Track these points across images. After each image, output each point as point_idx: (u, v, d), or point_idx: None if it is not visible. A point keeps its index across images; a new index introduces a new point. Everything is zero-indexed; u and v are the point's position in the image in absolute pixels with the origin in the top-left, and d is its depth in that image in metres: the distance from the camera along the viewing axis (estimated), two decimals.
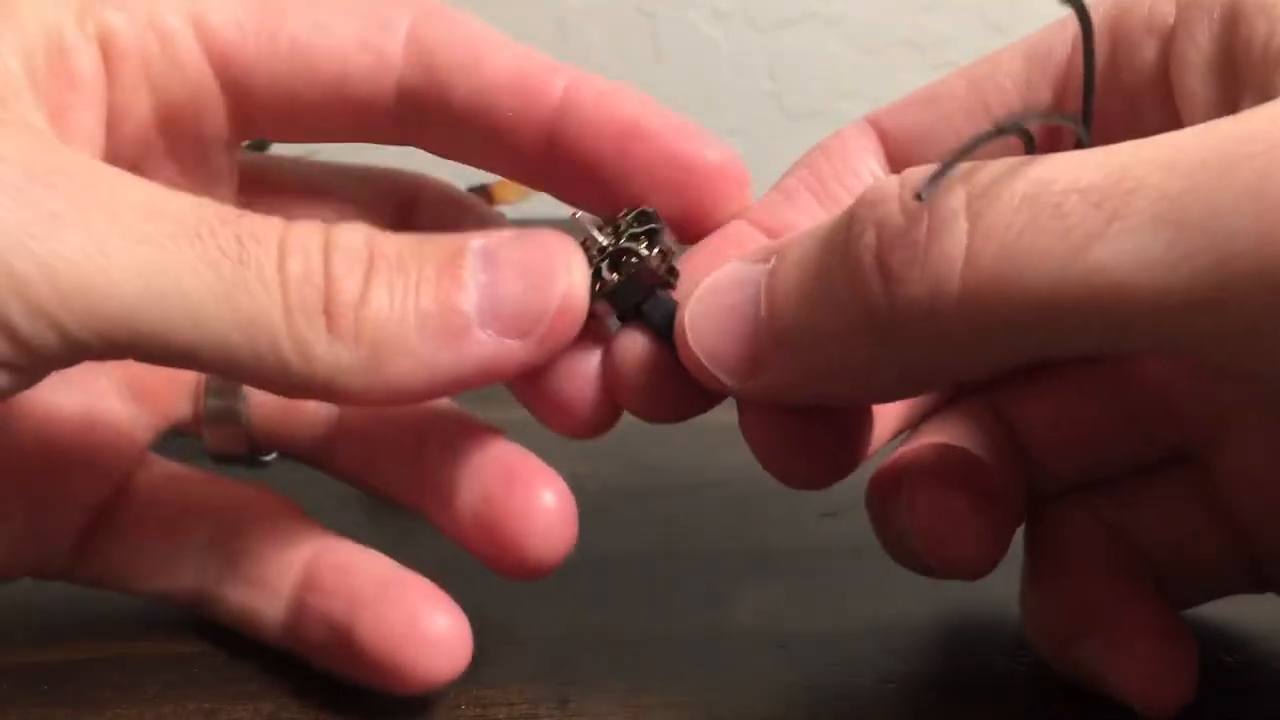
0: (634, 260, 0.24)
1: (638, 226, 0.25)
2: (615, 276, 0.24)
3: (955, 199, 0.19)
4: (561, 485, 0.26)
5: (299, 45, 0.26)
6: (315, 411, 0.29)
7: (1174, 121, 0.24)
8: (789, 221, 0.26)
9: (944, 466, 0.26)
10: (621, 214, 0.25)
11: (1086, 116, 0.23)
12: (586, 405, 0.25)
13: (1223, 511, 0.27)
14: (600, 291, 0.24)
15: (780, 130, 0.73)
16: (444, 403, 0.27)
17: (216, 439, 0.29)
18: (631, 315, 0.25)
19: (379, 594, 0.25)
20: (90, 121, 0.24)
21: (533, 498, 0.25)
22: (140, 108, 0.25)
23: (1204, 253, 0.17)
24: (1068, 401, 0.28)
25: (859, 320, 0.20)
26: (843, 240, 0.20)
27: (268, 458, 0.30)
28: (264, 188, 0.28)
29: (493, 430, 0.27)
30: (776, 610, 0.30)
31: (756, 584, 0.32)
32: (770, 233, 0.26)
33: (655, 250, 0.24)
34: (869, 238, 0.20)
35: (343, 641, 0.25)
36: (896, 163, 0.27)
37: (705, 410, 0.25)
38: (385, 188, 0.29)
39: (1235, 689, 0.27)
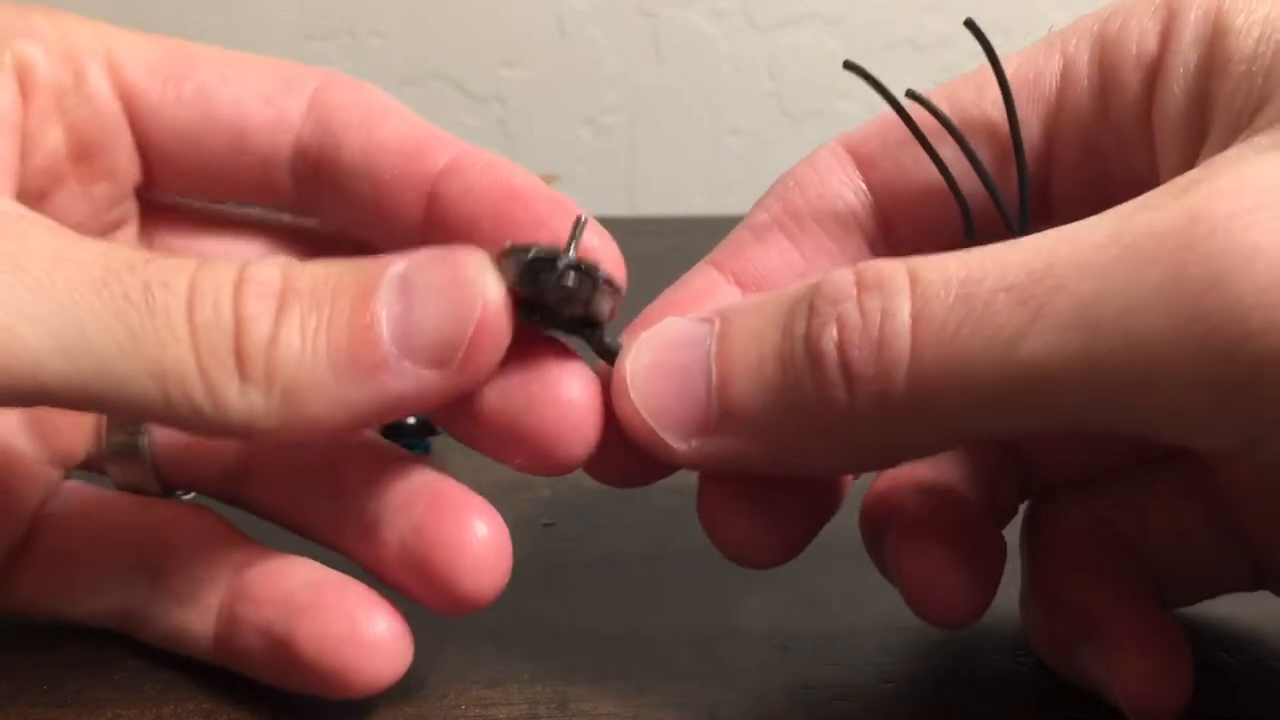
0: (562, 270, 0.23)
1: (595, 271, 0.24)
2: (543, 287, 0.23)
3: (901, 300, 0.20)
4: (494, 514, 0.25)
5: (203, 93, 0.26)
6: (223, 447, 0.28)
7: (1154, 162, 0.24)
8: (762, 268, 0.26)
9: (929, 514, 0.25)
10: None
11: (1023, 200, 0.25)
12: (562, 435, 0.24)
13: (1222, 510, 0.27)
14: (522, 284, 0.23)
15: (780, 130, 0.73)
16: (363, 431, 0.27)
17: (121, 475, 0.28)
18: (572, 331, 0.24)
19: (314, 599, 0.25)
20: (6, 151, 0.24)
21: (465, 527, 0.24)
22: (52, 139, 0.25)
23: (1121, 349, 0.18)
24: None
25: (818, 408, 0.21)
26: (803, 331, 0.21)
27: (186, 496, 0.29)
28: (174, 220, 0.28)
29: (415, 458, 0.26)
30: (776, 610, 0.30)
31: (756, 584, 0.32)
32: (740, 279, 0.26)
33: (580, 282, 0.23)
34: (831, 332, 0.21)
35: (280, 650, 0.25)
36: (877, 191, 0.26)
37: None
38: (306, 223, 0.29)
39: (1235, 689, 0.27)
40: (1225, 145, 0.21)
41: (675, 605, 0.30)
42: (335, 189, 0.27)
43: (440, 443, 0.38)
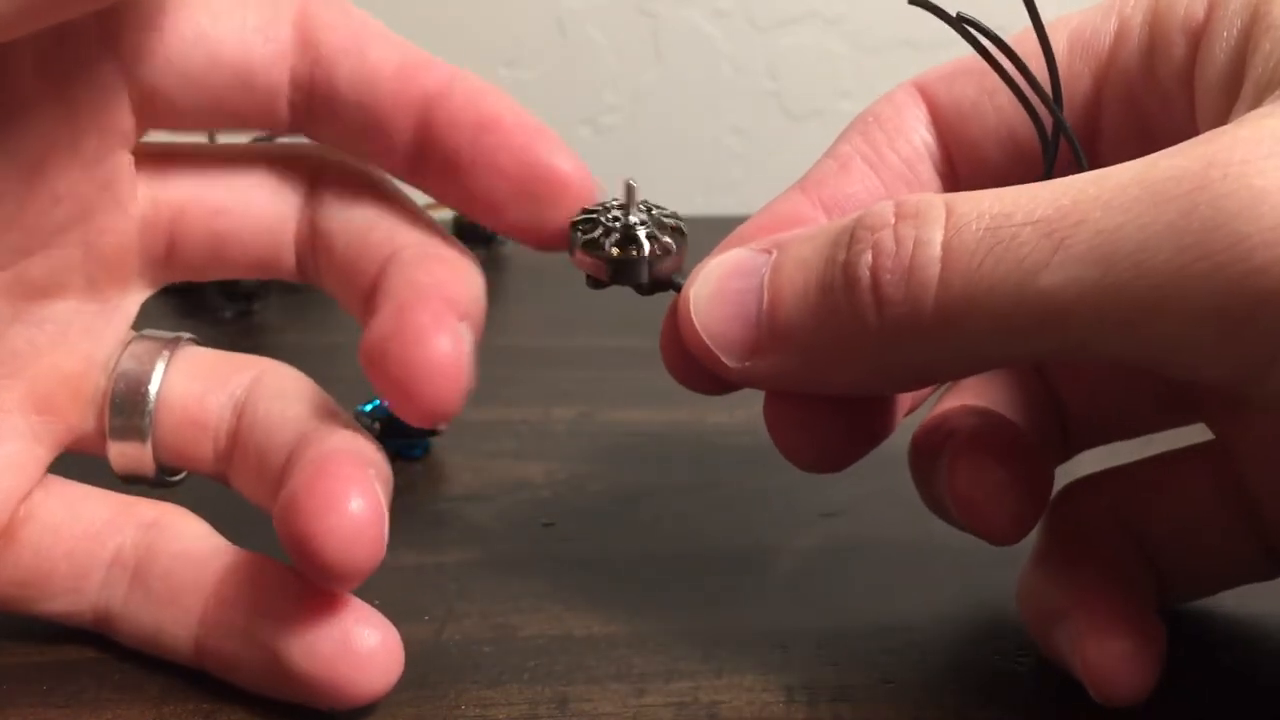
0: (622, 244, 0.25)
1: (666, 222, 0.26)
2: (611, 252, 0.26)
3: (935, 229, 0.21)
4: (372, 492, 0.24)
5: (203, 36, 0.26)
6: (218, 427, 0.28)
7: (1194, 125, 0.24)
8: (846, 194, 0.27)
9: (983, 435, 0.26)
10: (666, 211, 0.27)
11: (1056, 133, 0.25)
12: (425, 391, 0.24)
13: (1238, 496, 0.27)
14: (590, 249, 0.26)
15: (781, 130, 0.73)
16: (329, 417, 0.27)
17: (120, 456, 0.28)
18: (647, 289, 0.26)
19: (305, 610, 0.25)
20: None
21: (333, 499, 0.23)
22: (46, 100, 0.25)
23: (1133, 282, 0.19)
24: (1102, 364, 0.29)
25: (852, 328, 0.22)
26: (843, 258, 0.22)
27: (176, 477, 0.29)
28: (170, 172, 0.28)
29: (350, 433, 0.26)
30: (776, 610, 0.30)
31: (756, 584, 0.32)
32: (826, 205, 0.27)
33: (645, 250, 0.25)
34: (868, 258, 0.22)
35: (268, 661, 0.25)
36: (943, 130, 0.28)
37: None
38: (292, 165, 0.29)
39: (1235, 689, 0.27)
40: (1256, 104, 0.22)
41: (675, 605, 0.30)
42: (329, 114, 0.27)
43: (439, 442, 0.38)
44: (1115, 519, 0.28)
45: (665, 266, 0.26)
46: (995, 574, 0.31)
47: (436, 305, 0.25)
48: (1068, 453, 0.30)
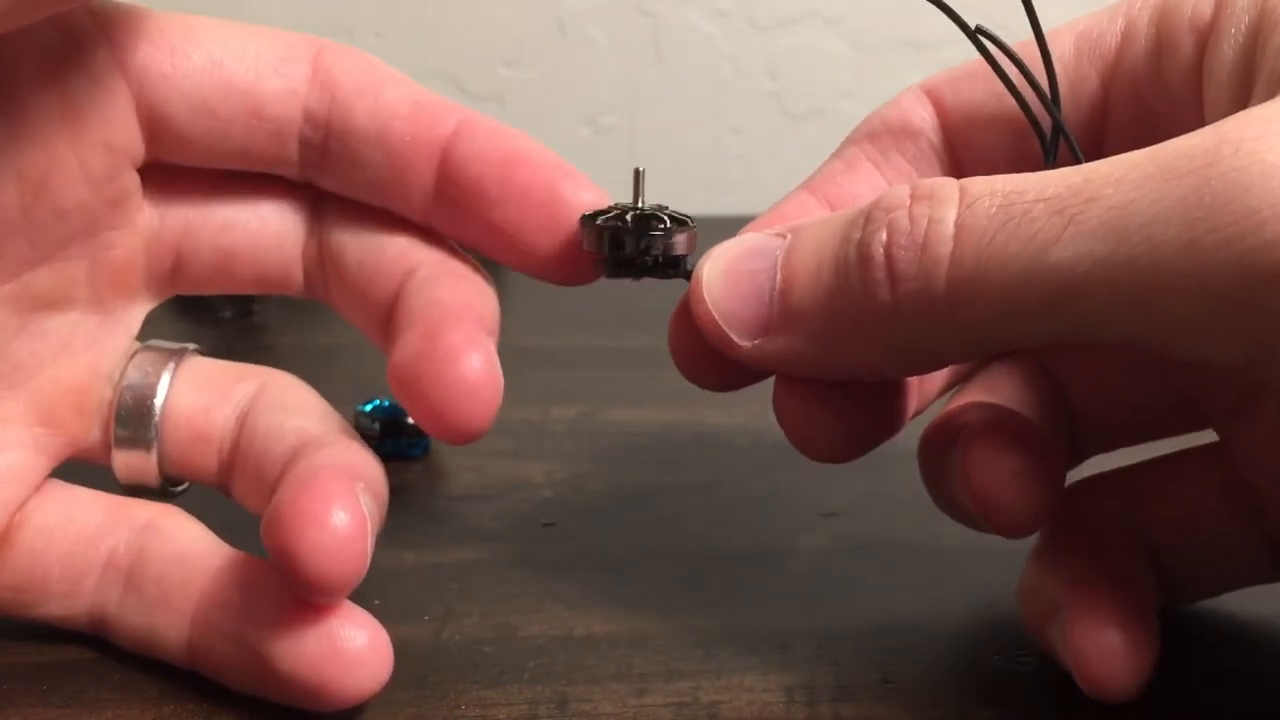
0: (639, 225, 0.26)
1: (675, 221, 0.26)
2: (625, 220, 0.26)
3: (949, 208, 0.22)
4: (356, 506, 0.24)
5: (214, 62, 0.27)
6: (222, 439, 0.28)
7: (1203, 122, 0.24)
8: (852, 193, 0.27)
9: (997, 428, 0.26)
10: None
11: (1055, 129, 0.26)
12: (456, 409, 0.24)
13: (1243, 496, 0.28)
14: (605, 224, 0.26)
15: (781, 130, 0.73)
16: (327, 428, 0.27)
17: (125, 466, 0.28)
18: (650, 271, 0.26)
19: (292, 612, 0.25)
20: None
21: (315, 515, 0.23)
22: (46, 108, 0.25)
23: (1143, 257, 0.19)
24: (1112, 364, 0.29)
25: (865, 305, 0.22)
26: (858, 237, 0.22)
27: (179, 488, 0.29)
28: (178, 187, 0.28)
29: (344, 445, 0.26)
30: (776, 610, 0.30)
31: (756, 584, 0.32)
32: (832, 203, 0.27)
33: (659, 230, 0.26)
34: (882, 236, 0.22)
35: (255, 663, 0.25)
36: (950, 133, 0.28)
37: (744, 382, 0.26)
38: (300, 183, 0.29)
39: (1235, 689, 0.27)
40: (1268, 98, 0.22)
41: (675, 605, 0.30)
42: (344, 155, 0.27)
43: (439, 442, 0.38)
44: (1119, 519, 0.28)
45: (679, 241, 0.26)
46: (995, 574, 0.31)
47: (468, 324, 0.25)
48: (1076, 457, 0.30)
